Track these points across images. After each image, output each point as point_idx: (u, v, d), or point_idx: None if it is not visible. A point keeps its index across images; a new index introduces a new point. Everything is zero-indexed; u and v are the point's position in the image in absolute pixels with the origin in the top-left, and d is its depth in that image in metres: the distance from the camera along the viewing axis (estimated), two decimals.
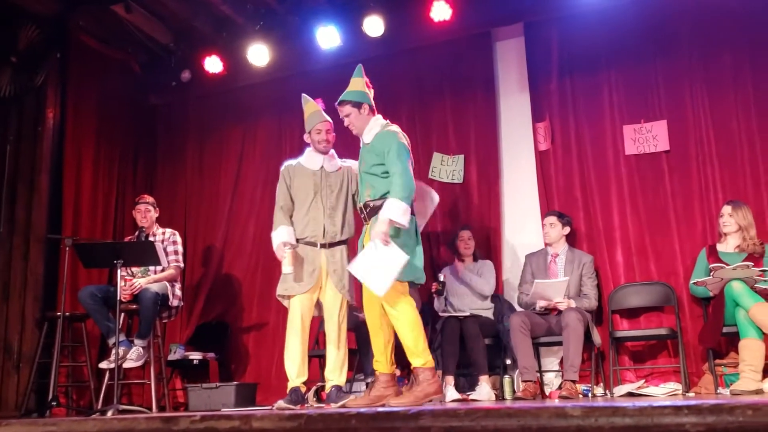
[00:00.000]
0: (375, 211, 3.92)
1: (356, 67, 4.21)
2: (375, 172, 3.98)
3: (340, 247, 4.38)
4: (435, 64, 6.15)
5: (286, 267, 4.21)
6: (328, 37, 6.05)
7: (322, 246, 4.32)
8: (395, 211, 3.77)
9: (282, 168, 4.54)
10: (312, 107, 4.52)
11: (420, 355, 3.86)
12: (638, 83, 5.49)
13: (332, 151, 4.55)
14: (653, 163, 5.38)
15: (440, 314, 5.18)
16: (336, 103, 4.13)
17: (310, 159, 4.49)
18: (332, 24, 6.01)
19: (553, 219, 5.15)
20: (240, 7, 6.25)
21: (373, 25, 5.87)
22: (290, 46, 6.40)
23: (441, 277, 5.22)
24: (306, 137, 4.53)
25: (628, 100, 5.51)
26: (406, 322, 3.86)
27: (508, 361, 5.15)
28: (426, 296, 5.58)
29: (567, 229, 5.15)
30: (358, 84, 4.14)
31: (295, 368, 4.24)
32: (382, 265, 3.73)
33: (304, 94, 4.60)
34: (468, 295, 5.22)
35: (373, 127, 4.08)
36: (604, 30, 5.57)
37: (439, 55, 6.13)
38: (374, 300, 3.91)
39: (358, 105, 4.07)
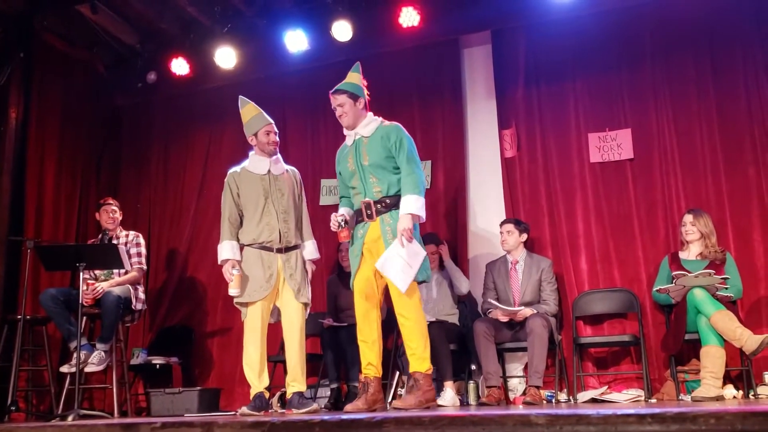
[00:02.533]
0: (389, 206, 3.88)
1: (354, 64, 4.18)
2: (385, 166, 3.92)
3: (296, 252, 4.36)
4: (403, 70, 6.16)
5: (233, 290, 4.19)
6: (296, 41, 6.04)
7: (278, 251, 4.28)
8: (416, 205, 3.78)
9: (227, 176, 4.43)
10: (253, 110, 4.44)
11: (426, 360, 3.85)
12: (603, 92, 5.57)
13: (278, 154, 4.50)
14: (617, 171, 5.46)
15: None
16: (331, 92, 4.08)
17: (256, 163, 4.41)
18: (300, 28, 6.00)
19: (510, 227, 5.19)
20: (207, 10, 6.20)
21: (342, 30, 5.86)
22: (258, 49, 6.37)
23: None
24: (251, 140, 4.44)
25: (593, 108, 5.58)
26: (416, 324, 3.84)
27: (473, 367, 5.17)
28: (389, 302, 5.57)
29: (524, 236, 5.19)
30: (355, 78, 4.10)
31: (255, 375, 4.21)
32: (407, 261, 3.73)
33: (241, 96, 4.53)
34: (433, 302, 5.23)
35: (371, 122, 4.05)
36: (570, 40, 5.64)
37: (407, 61, 6.14)
38: (374, 308, 3.93)
39: (354, 97, 4.02)
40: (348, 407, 3.83)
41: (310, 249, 4.45)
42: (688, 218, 4.79)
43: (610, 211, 5.44)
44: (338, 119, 4.08)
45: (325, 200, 6.19)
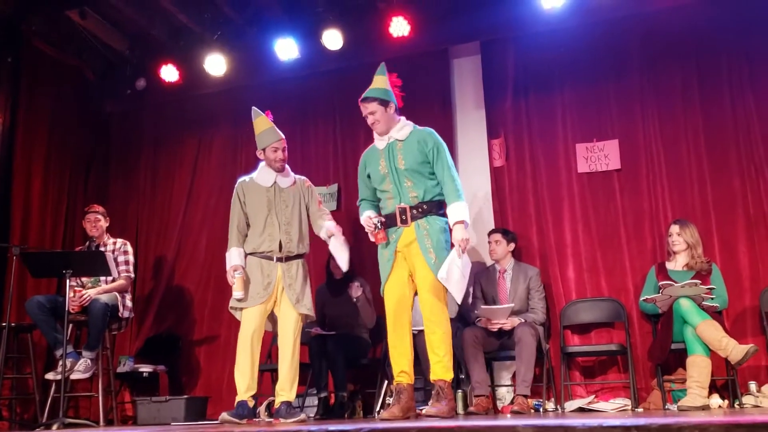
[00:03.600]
0: (426, 212, 3.88)
1: (379, 66, 4.13)
2: (422, 171, 3.91)
3: (297, 261, 4.40)
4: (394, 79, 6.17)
5: (237, 292, 4.25)
6: (286, 48, 6.04)
7: (278, 260, 4.33)
8: (465, 213, 3.81)
9: (236, 185, 4.52)
10: (265, 123, 4.48)
11: (450, 369, 3.86)
12: (591, 103, 5.61)
13: (287, 167, 4.54)
14: (605, 181, 5.49)
15: None
16: (360, 100, 4.05)
17: (263, 175, 4.48)
18: (291, 36, 6.00)
19: (498, 236, 5.21)
20: (198, 17, 6.19)
21: (332, 39, 5.88)
22: (248, 56, 6.37)
23: None
24: (259, 154, 4.50)
25: (581, 119, 5.62)
26: (446, 334, 3.85)
27: (461, 376, 5.17)
28: (381, 310, 5.57)
29: (512, 246, 5.22)
30: (382, 82, 4.06)
31: (245, 382, 4.21)
32: (462, 271, 3.75)
33: (254, 108, 4.56)
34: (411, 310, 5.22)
35: (405, 126, 4.02)
36: (558, 51, 5.68)
37: (397, 71, 6.13)
38: (406, 314, 3.94)
39: (384, 103, 3.98)
40: (384, 414, 3.80)
41: (330, 227, 4.42)
42: (675, 229, 4.83)
43: (598, 221, 5.47)
44: (371, 127, 4.05)
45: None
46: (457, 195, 3.83)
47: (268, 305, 4.32)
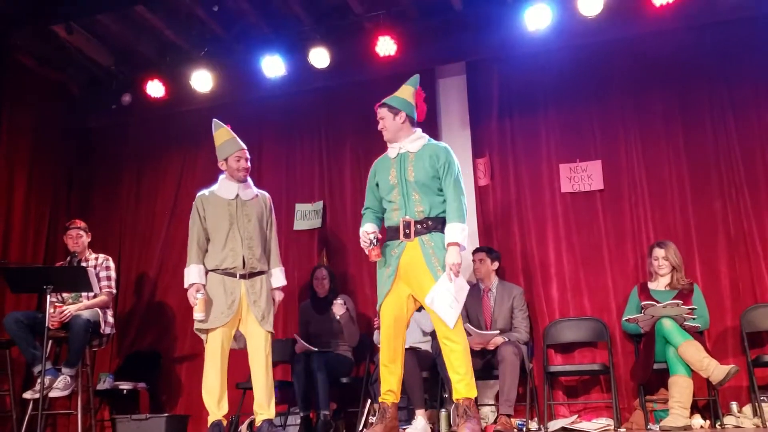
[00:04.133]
0: (430, 228, 3.78)
1: (413, 76, 4.09)
2: (431, 186, 3.82)
3: (260, 277, 4.33)
4: (379, 97, 6.14)
5: (198, 314, 4.16)
6: (273, 66, 6.05)
7: (242, 276, 4.26)
8: (462, 235, 3.70)
9: (195, 199, 4.43)
10: (226, 134, 4.42)
11: (473, 387, 3.76)
12: (574, 124, 5.67)
13: (248, 179, 4.48)
14: (588, 201, 5.54)
15: (379, 347, 5.15)
16: (376, 104, 4.04)
17: (224, 188, 4.40)
18: (278, 53, 6.02)
19: (482, 255, 5.21)
20: (185, 33, 6.20)
21: (319, 57, 5.90)
22: (234, 73, 6.38)
23: None
24: (221, 164, 4.43)
25: (564, 140, 5.67)
26: (465, 350, 3.74)
27: (445, 395, 5.15)
28: (365, 328, 5.56)
29: (496, 264, 5.22)
30: (406, 92, 4.01)
31: (215, 402, 4.16)
32: (454, 296, 3.66)
33: (215, 120, 4.53)
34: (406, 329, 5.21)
35: (419, 138, 3.95)
36: (542, 73, 5.75)
37: (383, 89, 6.09)
38: (401, 333, 3.86)
39: (394, 111, 3.94)
40: None
41: (277, 276, 4.42)
42: (660, 252, 4.85)
43: (581, 241, 5.51)
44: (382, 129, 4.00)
45: (299, 225, 6.18)
46: (459, 215, 3.73)
47: (233, 324, 4.25)
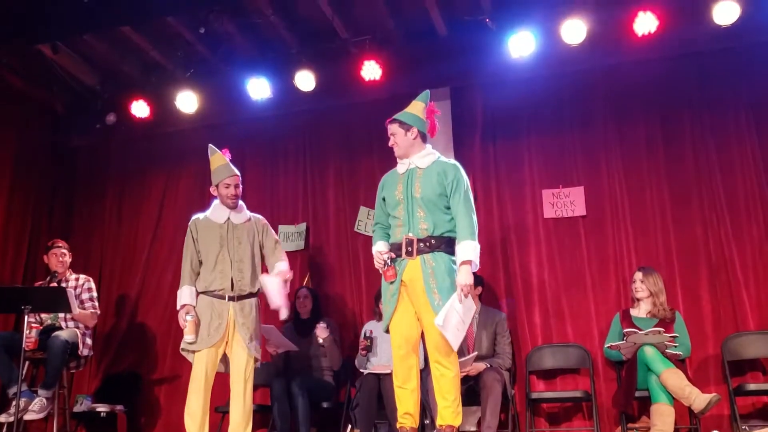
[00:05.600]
0: (433, 247, 3.65)
1: (423, 92, 4.02)
2: (437, 204, 3.70)
3: (250, 300, 4.32)
4: (364, 121, 6.22)
5: (188, 336, 4.14)
6: (258, 88, 6.05)
7: (231, 299, 4.25)
8: (474, 253, 3.58)
9: (190, 222, 4.45)
10: (220, 159, 4.46)
11: (459, 414, 3.67)
12: (557, 150, 5.70)
13: (241, 203, 4.50)
14: (570, 227, 5.56)
15: (360, 371, 5.12)
16: (387, 120, 3.92)
17: (217, 212, 4.43)
18: (263, 76, 6.03)
19: None
20: (170, 54, 6.21)
21: (305, 80, 5.91)
22: (220, 94, 6.37)
23: (368, 333, 5.18)
24: (213, 190, 4.47)
25: (547, 165, 5.70)
26: (456, 377, 3.67)
27: (427, 421, 5.11)
28: (347, 352, 5.53)
29: (479, 289, 5.21)
30: (416, 108, 3.92)
31: (196, 426, 4.11)
32: (462, 317, 3.55)
33: (211, 145, 4.55)
34: (387, 356, 5.18)
35: (428, 154, 3.86)
36: (526, 99, 5.79)
37: (368, 112, 6.20)
38: (414, 352, 3.72)
39: (405, 127, 3.84)
40: None
41: (281, 268, 4.38)
42: (638, 276, 4.88)
43: (563, 266, 5.52)
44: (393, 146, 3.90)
45: (282, 247, 6.12)
46: (470, 233, 3.61)
47: (220, 347, 4.23)
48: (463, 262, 3.59)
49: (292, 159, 6.43)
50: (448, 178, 3.73)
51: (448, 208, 3.73)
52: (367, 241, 5.78)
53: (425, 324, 3.67)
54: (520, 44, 5.44)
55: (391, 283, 3.73)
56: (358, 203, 6.05)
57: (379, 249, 3.80)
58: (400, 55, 5.99)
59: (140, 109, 6.44)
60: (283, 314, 4.28)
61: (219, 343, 4.20)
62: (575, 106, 5.72)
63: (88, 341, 5.20)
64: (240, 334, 4.21)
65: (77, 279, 5.35)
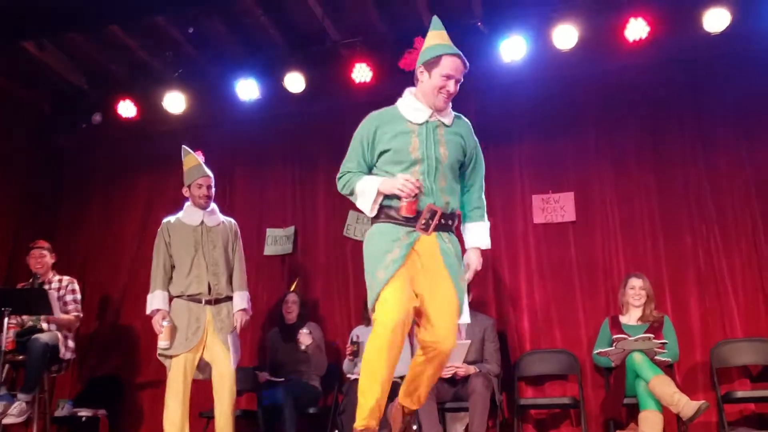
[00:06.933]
0: (450, 227, 3.05)
1: (434, 20, 3.35)
2: (456, 172, 3.10)
3: (226, 304, 4.29)
4: (355, 124, 6.12)
5: (163, 342, 4.09)
6: (247, 89, 6.01)
7: (207, 302, 4.21)
8: (487, 240, 3.18)
9: (161, 225, 4.41)
10: (192, 160, 4.43)
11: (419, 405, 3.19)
12: (548, 155, 5.69)
13: (213, 205, 4.47)
14: (560, 232, 5.54)
15: (347, 376, 5.07)
16: (459, 56, 3.19)
17: (189, 214, 4.39)
18: (252, 77, 5.98)
19: None
20: (158, 54, 6.14)
21: (294, 82, 5.87)
22: (208, 95, 6.31)
23: (355, 338, 5.13)
24: (185, 191, 4.44)
25: (538, 171, 5.68)
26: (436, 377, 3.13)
27: (414, 427, 5.07)
28: (333, 357, 5.47)
29: (470, 296, 5.18)
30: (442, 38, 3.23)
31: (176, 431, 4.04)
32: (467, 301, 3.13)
33: (184, 146, 4.52)
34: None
35: (449, 108, 3.19)
36: (517, 103, 5.76)
37: (357, 115, 6.09)
38: (401, 342, 2.85)
39: None
40: None
41: (237, 299, 4.35)
42: (637, 282, 4.84)
43: (553, 272, 5.50)
44: (448, 94, 3.13)
45: (269, 250, 6.09)
46: (484, 215, 3.18)
47: (198, 351, 4.18)
48: (477, 248, 3.16)
49: (281, 161, 6.38)
50: (469, 145, 3.18)
51: (460, 178, 3.17)
52: (356, 245, 5.78)
53: (438, 307, 2.95)
54: (512, 49, 5.44)
55: (396, 243, 2.94)
56: (347, 207, 5.99)
57: (405, 176, 2.94)
58: (391, 58, 5.88)
59: (127, 109, 6.38)
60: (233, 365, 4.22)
61: (197, 347, 4.15)
62: (566, 111, 5.71)
63: (71, 344, 5.11)
64: (219, 338, 4.17)
65: (60, 281, 5.27)
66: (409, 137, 3.06)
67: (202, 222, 4.35)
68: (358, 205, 3.11)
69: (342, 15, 5.74)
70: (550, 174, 5.65)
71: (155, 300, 4.21)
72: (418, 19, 5.64)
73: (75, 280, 5.36)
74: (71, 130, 6.79)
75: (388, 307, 2.82)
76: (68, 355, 5.09)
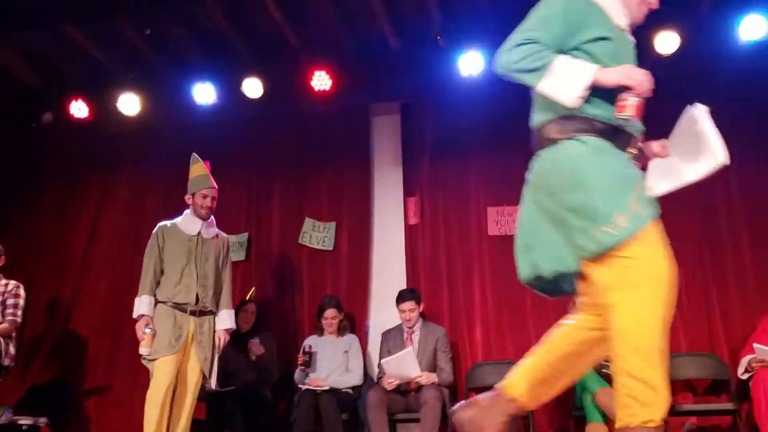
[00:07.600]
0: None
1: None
2: None
3: (209, 317, 4.27)
4: (313, 131, 6.17)
5: (144, 349, 4.04)
6: (204, 93, 5.95)
7: (192, 313, 4.18)
8: None
9: (156, 228, 4.36)
10: (200, 169, 4.44)
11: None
12: (503, 169, 5.71)
13: (212, 218, 4.46)
14: (513, 244, 5.58)
15: (299, 386, 5.05)
16: None
17: (187, 222, 4.37)
18: (210, 81, 5.92)
19: (412, 304, 5.11)
20: (114, 55, 6.03)
21: (252, 87, 5.83)
22: (164, 98, 6.21)
23: (307, 348, 5.11)
24: (188, 199, 4.42)
25: (493, 183, 5.73)
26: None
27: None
28: (288, 367, 5.43)
29: (421, 306, 5.21)
30: None
31: None
32: None
33: (194, 154, 4.53)
34: (329, 369, 5.11)
35: None
36: (475, 117, 5.80)
37: (317, 123, 6.16)
38: None
39: None
40: None
41: (224, 318, 4.35)
42: None
43: (505, 283, 5.53)
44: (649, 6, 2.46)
45: (232, 256, 6.01)
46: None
47: (180, 356, 4.14)
48: None
49: (237, 167, 6.30)
50: None
51: None
52: (312, 253, 5.78)
53: None
54: (470, 63, 5.48)
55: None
56: (303, 214, 5.98)
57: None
58: (351, 67, 5.95)
59: (79, 109, 6.25)
60: (213, 385, 4.26)
61: (180, 352, 4.11)
62: (521, 126, 5.75)
63: (12, 351, 4.95)
64: (197, 351, 4.16)
65: (6, 285, 5.12)
66: (625, 35, 2.40)
67: (199, 233, 4.34)
68: (547, 88, 2.28)
69: (303, 21, 5.72)
70: (505, 187, 5.69)
71: (142, 305, 4.16)
72: (380, 29, 5.67)
73: (21, 286, 5.19)
74: (22, 130, 6.61)
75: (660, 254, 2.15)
76: (7, 362, 4.93)
